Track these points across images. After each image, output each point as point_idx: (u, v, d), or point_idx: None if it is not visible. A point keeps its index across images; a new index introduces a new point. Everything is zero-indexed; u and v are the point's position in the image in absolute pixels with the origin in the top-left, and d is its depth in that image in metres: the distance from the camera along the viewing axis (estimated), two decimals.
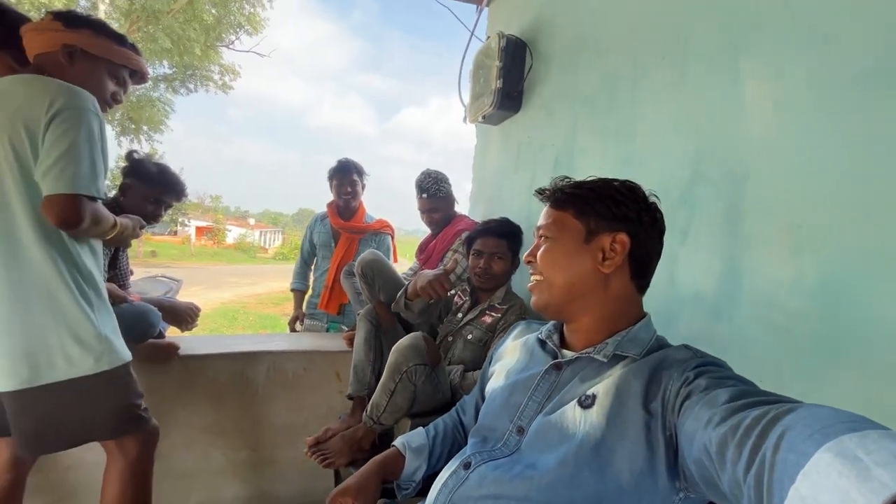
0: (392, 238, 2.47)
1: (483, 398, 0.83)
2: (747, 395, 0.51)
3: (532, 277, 0.75)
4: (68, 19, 1.08)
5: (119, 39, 1.16)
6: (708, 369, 0.59)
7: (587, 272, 0.69)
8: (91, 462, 1.25)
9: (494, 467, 0.67)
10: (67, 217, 0.97)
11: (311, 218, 2.57)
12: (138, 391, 1.16)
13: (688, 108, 1.04)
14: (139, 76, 1.22)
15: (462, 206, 2.30)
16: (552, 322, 0.80)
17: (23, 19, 1.14)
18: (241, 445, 1.76)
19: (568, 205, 0.73)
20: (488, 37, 2.02)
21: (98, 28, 1.12)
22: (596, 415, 0.61)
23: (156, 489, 1.27)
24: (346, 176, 2.32)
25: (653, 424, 0.58)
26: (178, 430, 1.66)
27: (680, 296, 1.02)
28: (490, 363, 0.88)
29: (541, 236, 0.75)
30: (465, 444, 0.85)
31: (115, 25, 10.07)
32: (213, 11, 10.96)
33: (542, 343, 0.78)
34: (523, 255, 0.78)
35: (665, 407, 0.57)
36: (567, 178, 0.76)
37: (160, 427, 1.31)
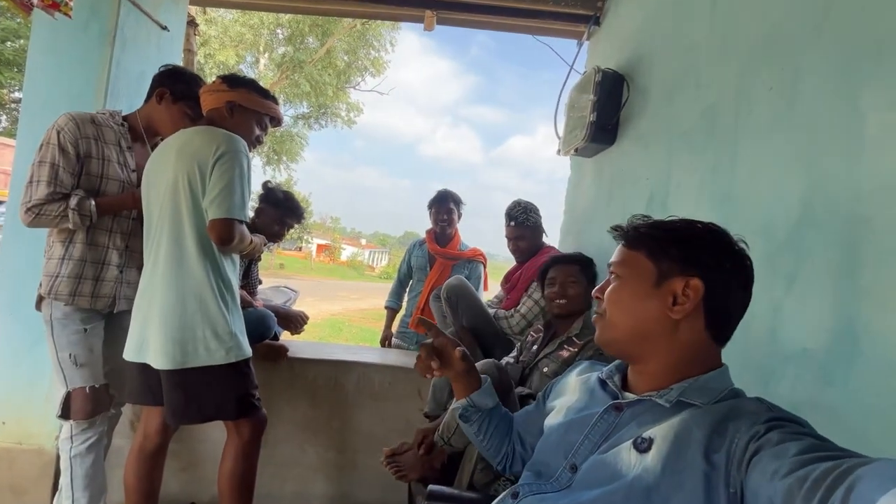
0: (484, 266, 2.56)
1: (540, 428, 0.84)
2: (820, 448, 0.47)
3: (596, 311, 0.74)
4: (231, 81, 1.39)
5: (265, 94, 1.45)
6: (781, 424, 0.54)
7: (654, 316, 0.66)
8: (216, 439, 1.50)
9: (541, 499, 0.67)
10: (224, 236, 1.25)
11: (411, 243, 2.77)
12: (255, 383, 1.39)
13: (797, 143, 0.95)
14: (276, 121, 1.50)
15: (553, 238, 2.29)
16: (615, 363, 0.78)
17: (195, 78, 1.49)
18: (331, 446, 1.94)
19: (641, 245, 0.70)
20: (585, 71, 2.03)
21: (251, 86, 1.41)
22: (651, 460, 0.59)
23: (259, 472, 1.48)
24: (443, 205, 2.50)
25: (714, 478, 0.54)
26: (282, 423, 1.89)
27: (783, 352, 0.91)
28: (547, 397, 0.88)
29: (611, 273, 0.73)
30: (510, 435, 0.91)
31: (270, 74, 12.10)
32: (345, 58, 12.58)
33: (602, 383, 0.77)
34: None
35: (730, 461, 0.53)
36: (646, 216, 0.74)
37: (269, 418, 1.53)
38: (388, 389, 1.96)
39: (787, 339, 0.90)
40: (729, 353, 1.01)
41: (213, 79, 1.42)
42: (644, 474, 0.58)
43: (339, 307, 10.49)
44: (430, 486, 0.96)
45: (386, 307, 2.73)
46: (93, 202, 1.36)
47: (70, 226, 1.35)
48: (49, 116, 1.44)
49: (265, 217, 1.96)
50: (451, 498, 0.93)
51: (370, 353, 2.21)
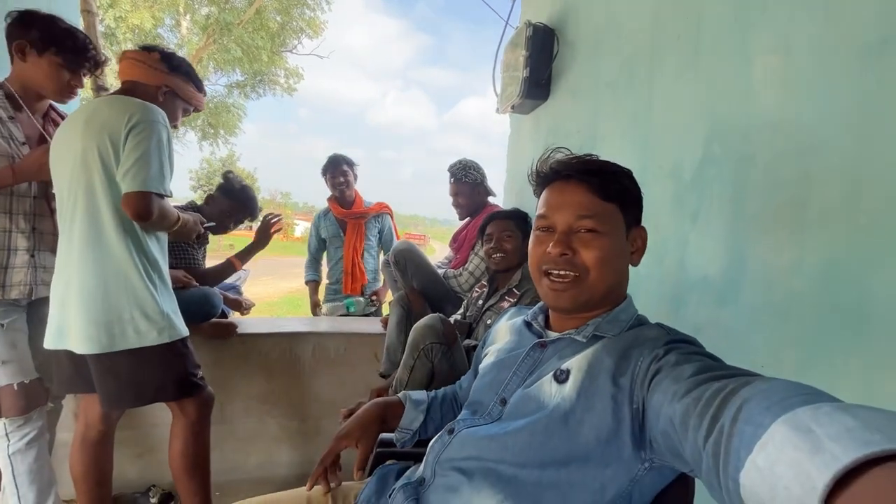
0: (392, 218, 2.69)
1: (476, 376, 0.89)
2: (711, 369, 0.53)
3: (560, 272, 0.67)
4: (172, 65, 1.30)
5: (198, 86, 1.39)
6: (678, 346, 0.60)
7: (625, 269, 0.70)
8: (170, 422, 1.48)
9: (474, 432, 0.73)
10: (140, 210, 1.17)
11: (315, 216, 2.78)
12: (195, 362, 1.36)
13: (700, 89, 1.02)
14: (197, 110, 1.45)
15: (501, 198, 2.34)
16: (538, 305, 0.83)
17: (51, 19, 1.32)
18: (292, 415, 1.97)
19: (615, 197, 0.67)
20: (517, 26, 2.03)
21: (189, 75, 1.34)
22: (569, 389, 0.65)
23: (221, 450, 1.48)
24: (337, 167, 2.53)
25: (620, 397, 0.60)
26: (239, 398, 1.89)
27: (689, 281, 1.01)
28: (484, 345, 0.93)
29: (588, 230, 0.66)
30: (455, 410, 0.92)
31: (195, 39, 11.05)
32: (278, 19, 11.68)
33: (528, 325, 0.82)
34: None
35: (634, 382, 0.60)
36: (592, 155, 0.71)
37: (225, 395, 1.51)
38: (344, 356, 1.99)
39: (692, 270, 1.00)
40: (646, 287, 1.11)
41: (136, 46, 1.31)
42: (562, 402, 0.64)
43: (297, 283, 10.25)
44: (382, 434, 1.01)
45: (307, 282, 2.73)
46: None
47: None
48: None
49: (216, 206, 1.87)
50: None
51: (323, 322, 2.22)
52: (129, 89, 1.27)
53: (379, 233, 2.64)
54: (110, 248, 1.20)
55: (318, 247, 2.70)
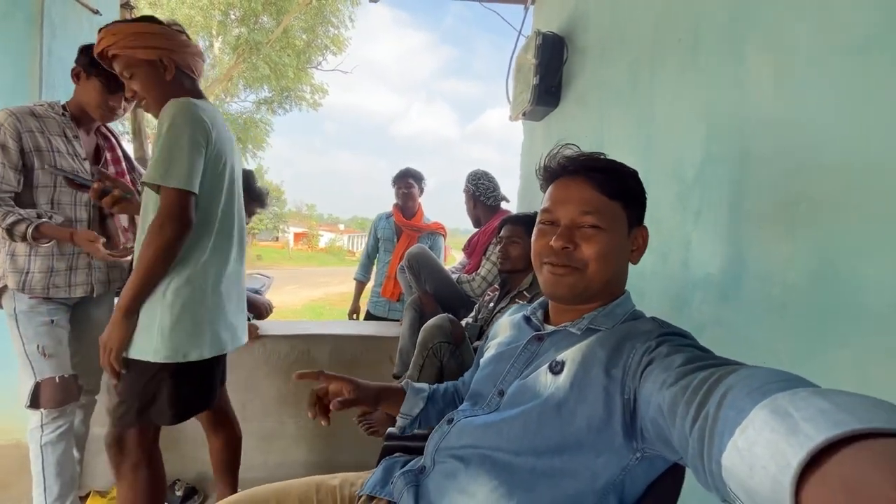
0: (444, 238, 2.76)
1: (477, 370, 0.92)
2: (700, 359, 0.54)
3: (560, 265, 0.69)
4: None
5: None
6: (670, 338, 0.62)
7: (625, 266, 0.72)
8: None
9: (471, 421, 0.76)
10: None
11: (377, 216, 2.88)
12: None
13: (700, 89, 1.03)
14: None
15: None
16: (539, 301, 0.86)
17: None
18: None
19: (619, 195, 0.69)
20: (528, 35, 2.07)
21: None
22: (563, 380, 0.67)
23: (243, 447, 1.55)
24: (403, 179, 2.67)
25: (611, 388, 0.62)
26: (260, 399, 1.96)
27: (692, 280, 1.01)
28: (487, 339, 0.96)
29: (590, 225, 0.68)
30: (457, 403, 0.95)
31: (226, 59, 11.54)
32: (304, 37, 12.14)
33: (527, 319, 0.84)
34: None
35: (626, 373, 0.61)
36: (601, 153, 0.74)
37: (246, 395, 1.57)
38: (360, 358, 2.03)
39: (695, 268, 1.00)
40: (650, 286, 1.11)
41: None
42: (556, 392, 0.66)
43: (320, 293, 10.48)
44: (389, 429, 1.04)
45: (354, 279, 2.84)
46: (31, 229, 1.33)
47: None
48: None
49: None
50: (405, 437, 1.02)
51: (341, 325, 2.28)
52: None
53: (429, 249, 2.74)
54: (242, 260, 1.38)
55: (374, 246, 2.83)
